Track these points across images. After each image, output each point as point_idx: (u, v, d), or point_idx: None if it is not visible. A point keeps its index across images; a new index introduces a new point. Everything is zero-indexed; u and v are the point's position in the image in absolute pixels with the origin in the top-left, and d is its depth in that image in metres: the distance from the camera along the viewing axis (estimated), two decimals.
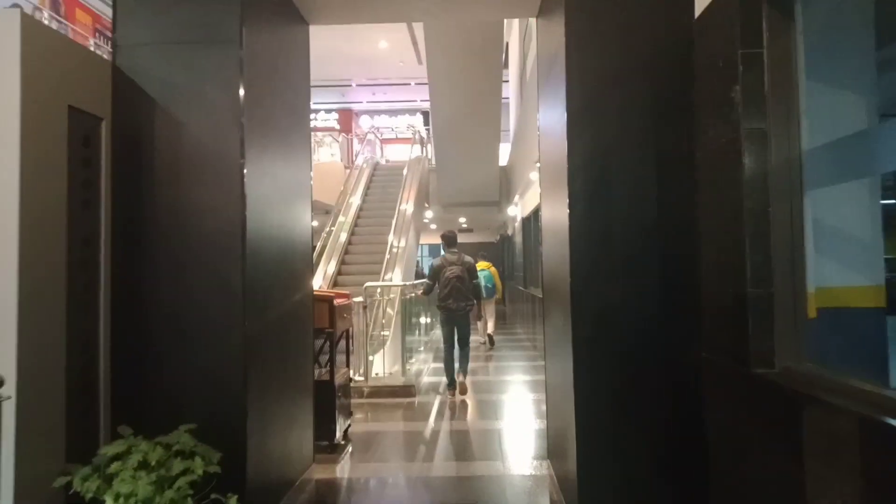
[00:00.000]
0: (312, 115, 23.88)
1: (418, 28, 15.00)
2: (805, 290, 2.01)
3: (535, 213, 10.08)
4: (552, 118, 3.24)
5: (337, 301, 4.37)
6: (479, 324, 10.57)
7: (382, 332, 7.29)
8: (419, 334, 9.17)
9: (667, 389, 2.60)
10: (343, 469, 3.94)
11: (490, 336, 10.28)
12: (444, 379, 6.53)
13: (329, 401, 4.27)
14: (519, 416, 5.36)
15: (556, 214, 3.11)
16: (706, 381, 2.40)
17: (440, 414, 5.48)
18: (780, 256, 2.03)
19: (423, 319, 9.55)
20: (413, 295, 7.55)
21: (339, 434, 4.41)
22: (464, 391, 6.24)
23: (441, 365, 6.69)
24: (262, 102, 3.07)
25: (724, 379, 2.26)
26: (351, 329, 5.03)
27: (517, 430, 4.83)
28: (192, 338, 2.70)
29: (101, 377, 2.59)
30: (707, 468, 2.41)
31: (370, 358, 6.50)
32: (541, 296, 9.49)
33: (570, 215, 2.68)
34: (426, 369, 7.82)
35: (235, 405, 2.69)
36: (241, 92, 2.76)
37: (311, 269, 3.85)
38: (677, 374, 2.58)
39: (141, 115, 2.80)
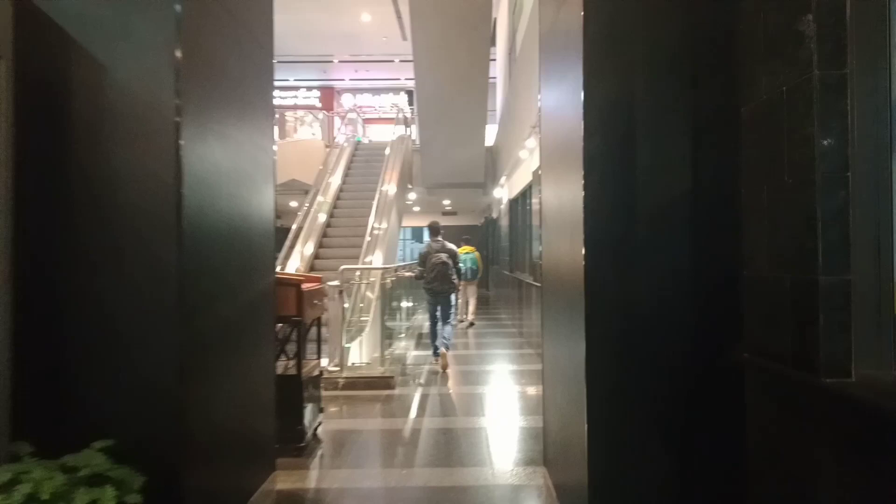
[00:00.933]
0: (293, 93, 23.06)
1: (403, 2, 14.34)
2: (893, 278, 1.57)
3: (524, 194, 9.61)
4: (561, 72, 2.75)
5: (306, 286, 3.87)
6: (461, 304, 10.88)
7: (361, 318, 6.81)
8: (400, 318, 8.71)
9: (699, 396, 2.16)
10: (310, 477, 3.47)
11: (471, 320, 10.89)
12: (425, 367, 6.88)
13: (295, 397, 3.79)
14: (507, 412, 4.93)
15: (564, 189, 2.63)
16: (750, 389, 1.96)
17: (421, 408, 5.03)
18: (861, 235, 1.58)
19: (403, 303, 9.10)
20: (393, 279, 7.07)
21: (308, 434, 3.93)
22: (445, 365, 6.75)
23: (422, 353, 7.17)
24: (209, 47, 2.53)
25: (776, 387, 1.82)
26: (324, 316, 4.53)
27: (506, 430, 4.40)
28: (116, 332, 2.19)
29: None
30: (745, 491, 1.98)
31: (346, 346, 6.02)
32: (528, 280, 9.14)
33: (585, 186, 2.20)
34: (407, 357, 7.37)
35: (170, 412, 2.19)
36: (178, 28, 2.22)
37: (273, 250, 3.34)
38: (713, 379, 2.14)
39: (53, 56, 2.25)
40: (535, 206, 7.77)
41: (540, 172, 3.57)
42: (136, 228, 2.21)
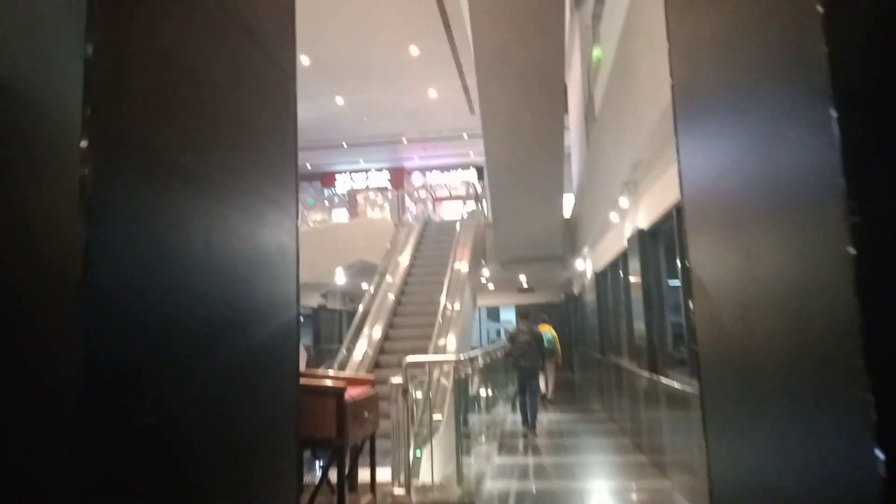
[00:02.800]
0: (364, 175, 23.30)
1: (470, 74, 14.06)
2: None
3: (615, 265, 8.36)
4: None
5: (351, 393, 2.82)
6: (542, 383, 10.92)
7: (433, 416, 5.65)
8: (479, 411, 7.48)
9: None
10: None
11: (550, 397, 11.18)
12: (512, 487, 5.58)
13: None
14: None
15: (769, 246, 1.49)
16: None
17: None
18: None
19: (483, 391, 7.91)
20: (469, 370, 5.92)
21: None
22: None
23: (508, 460, 6.27)
24: (178, 49, 1.66)
25: None
26: (375, 431, 3.43)
27: None
28: None
29: None
30: None
31: (417, 455, 4.86)
32: (628, 366, 7.68)
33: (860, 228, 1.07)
34: (491, 468, 6.05)
35: None
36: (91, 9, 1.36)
37: (296, 347, 2.33)
38: None
39: None
40: (635, 279, 6.50)
41: (688, 237, 2.42)
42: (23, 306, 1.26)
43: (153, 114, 1.50)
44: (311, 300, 16.29)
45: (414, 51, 13.22)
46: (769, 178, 1.41)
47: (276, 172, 2.27)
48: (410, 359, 4.51)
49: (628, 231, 6.70)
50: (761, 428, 1.55)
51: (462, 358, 4.91)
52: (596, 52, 10.58)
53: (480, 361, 7.50)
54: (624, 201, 6.34)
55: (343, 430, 2.68)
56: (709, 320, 2.08)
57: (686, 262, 2.45)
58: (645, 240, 6.01)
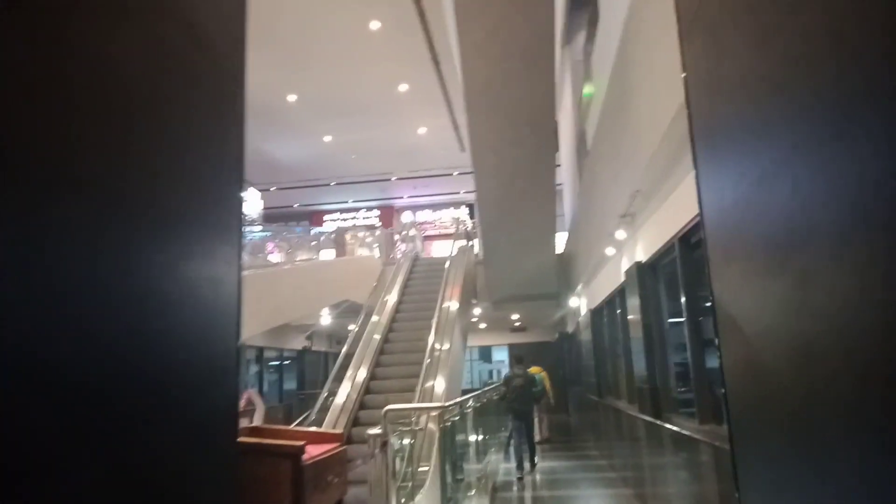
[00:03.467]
0: (353, 214, 22.98)
1: (459, 111, 13.97)
2: None
3: (611, 301, 7.99)
4: None
5: (311, 453, 2.39)
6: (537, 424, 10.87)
7: (419, 468, 5.15)
8: (469, 459, 6.95)
9: None
10: None
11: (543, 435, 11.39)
12: None
13: None
14: None
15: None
16: None
17: None
18: None
19: (471, 437, 7.40)
20: (457, 418, 5.45)
21: None
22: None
23: None
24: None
25: None
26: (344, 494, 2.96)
27: None
28: None
29: None
30: None
31: None
32: (627, 409, 7.21)
33: None
34: None
35: None
36: None
37: (235, 399, 1.92)
38: None
39: None
40: (633, 316, 6.12)
41: (709, 267, 2.06)
42: None
43: (46, 114, 1.14)
44: (296, 342, 15.72)
45: (403, 87, 13.11)
46: (830, 194, 1.06)
47: (213, 191, 1.90)
48: (391, 407, 4.06)
49: (626, 265, 6.36)
50: (816, 487, 1.16)
51: (448, 404, 4.43)
52: (587, 90, 10.49)
53: (472, 405, 7.04)
54: (621, 234, 6.02)
55: (300, 499, 2.23)
56: (742, 361, 1.69)
57: (710, 295, 2.08)
58: (644, 274, 5.66)
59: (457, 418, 5.26)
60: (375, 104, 13.76)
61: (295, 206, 21.04)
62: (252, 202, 16.31)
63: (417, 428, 4.89)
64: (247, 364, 13.33)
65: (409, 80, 12.72)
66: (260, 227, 16.84)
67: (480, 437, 8.39)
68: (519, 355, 9.85)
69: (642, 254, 5.76)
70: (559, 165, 15.23)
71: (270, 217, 18.40)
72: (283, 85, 12.66)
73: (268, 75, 12.28)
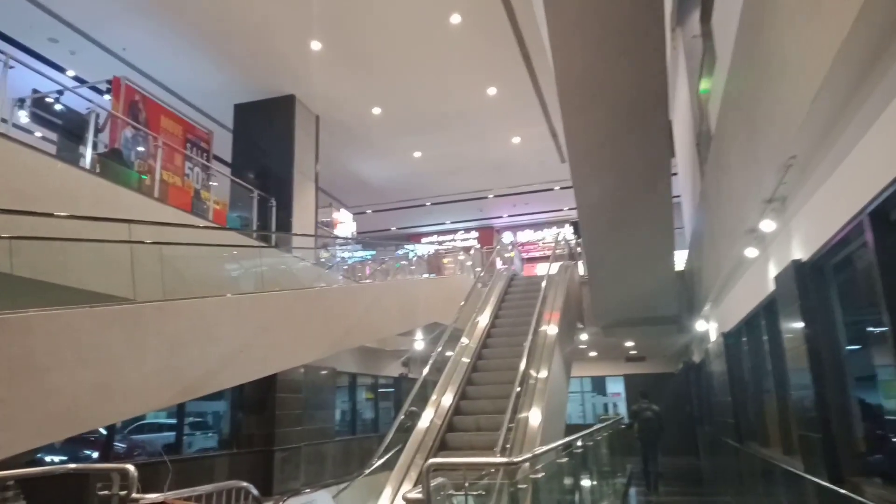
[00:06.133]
0: (451, 236, 22.24)
1: (556, 116, 12.64)
2: None
3: (752, 320, 6.26)
4: None
5: None
6: None
7: None
8: None
9: None
10: None
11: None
12: None
13: None
14: None
15: None
16: None
17: None
18: None
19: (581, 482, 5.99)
20: (561, 461, 4.07)
21: None
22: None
23: None
24: None
25: None
26: None
27: None
28: None
29: None
30: None
31: None
32: (786, 465, 5.35)
33: None
34: None
35: None
36: None
37: None
38: None
39: None
40: (791, 336, 4.46)
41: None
42: None
43: None
44: (391, 369, 14.94)
45: (492, 91, 12.08)
46: None
47: None
48: (436, 461, 2.85)
49: (774, 269, 4.75)
50: None
51: (518, 459, 3.05)
52: (704, 85, 8.85)
53: (579, 446, 5.65)
54: (768, 225, 4.45)
55: None
56: None
57: None
58: (806, 276, 4.06)
59: (541, 473, 3.89)
60: (463, 112, 12.84)
61: (393, 228, 20.64)
62: (345, 223, 15.96)
63: (487, 482, 3.59)
64: (336, 390, 12.68)
65: (497, 81, 11.67)
66: (360, 248, 16.47)
67: (591, 484, 6.90)
68: (644, 391, 11.45)
69: (801, 249, 4.16)
70: (675, 174, 13.40)
71: (369, 242, 18.05)
72: (366, 97, 12.15)
73: (350, 88, 11.81)
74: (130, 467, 3.21)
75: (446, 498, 2.92)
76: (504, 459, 2.75)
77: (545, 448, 3.64)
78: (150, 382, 4.39)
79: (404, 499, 2.81)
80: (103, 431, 7.64)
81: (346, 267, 14.62)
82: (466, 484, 2.94)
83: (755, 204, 4.60)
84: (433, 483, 2.90)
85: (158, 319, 4.63)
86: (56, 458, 7.30)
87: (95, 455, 7.78)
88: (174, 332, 4.72)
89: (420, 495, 2.72)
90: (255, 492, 3.92)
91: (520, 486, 3.09)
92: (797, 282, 4.13)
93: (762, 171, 4.20)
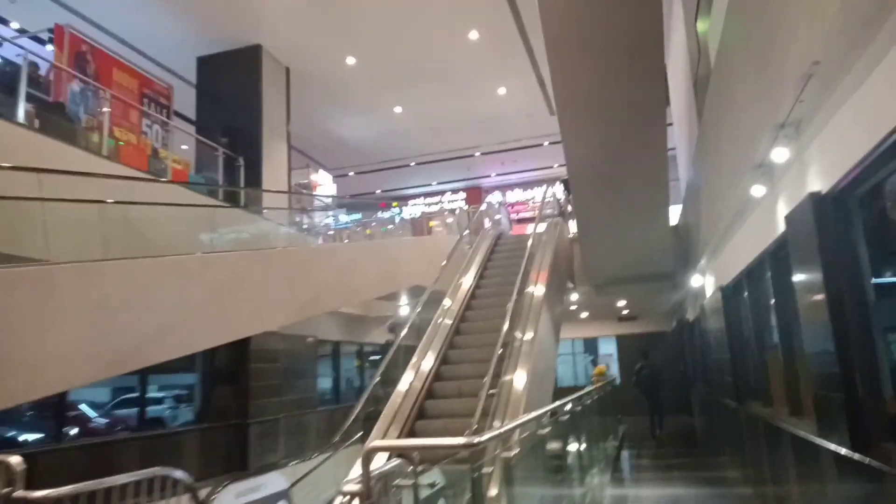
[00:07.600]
0: (438, 198, 21.52)
1: (545, 63, 11.78)
2: None
3: (756, 268, 5.70)
4: None
5: None
6: None
7: None
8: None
9: None
10: None
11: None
12: None
13: None
14: None
15: None
16: None
17: None
18: None
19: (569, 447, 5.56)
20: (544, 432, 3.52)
21: None
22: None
23: None
24: None
25: None
26: None
27: None
28: None
29: None
30: None
31: None
32: (782, 423, 4.78)
33: None
34: None
35: None
36: None
37: None
38: None
39: None
40: (804, 281, 3.88)
41: None
42: None
43: None
44: (377, 336, 14.41)
45: (473, 36, 11.22)
46: None
47: None
48: (377, 444, 2.26)
49: (785, 207, 4.14)
50: None
51: (481, 439, 2.42)
52: (702, 25, 8.09)
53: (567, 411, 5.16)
54: (780, 153, 3.82)
55: None
56: None
57: None
58: (825, 211, 3.46)
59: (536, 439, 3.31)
60: (445, 60, 11.98)
61: (378, 191, 19.91)
62: (325, 185, 15.20)
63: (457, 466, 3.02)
64: (319, 360, 12.17)
65: (479, 24, 10.81)
66: (344, 212, 15.75)
67: (581, 448, 6.44)
68: (645, 351, 13.09)
69: (820, 180, 3.55)
70: (670, 124, 12.67)
71: (354, 205, 17.31)
72: (339, 45, 11.27)
73: (321, 35, 10.93)
74: (14, 459, 2.59)
75: (398, 490, 2.34)
76: (463, 440, 2.17)
77: (512, 424, 3.01)
78: (66, 355, 3.80)
79: (340, 492, 2.24)
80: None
81: (331, 232, 13.97)
82: (419, 469, 2.36)
83: (765, 132, 3.96)
84: (383, 468, 2.34)
85: (78, 283, 4.02)
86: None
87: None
88: (98, 298, 4.12)
89: (358, 486, 2.14)
90: (187, 479, 3.36)
91: (484, 471, 2.51)
92: (815, 218, 3.52)
93: (776, 88, 3.55)
